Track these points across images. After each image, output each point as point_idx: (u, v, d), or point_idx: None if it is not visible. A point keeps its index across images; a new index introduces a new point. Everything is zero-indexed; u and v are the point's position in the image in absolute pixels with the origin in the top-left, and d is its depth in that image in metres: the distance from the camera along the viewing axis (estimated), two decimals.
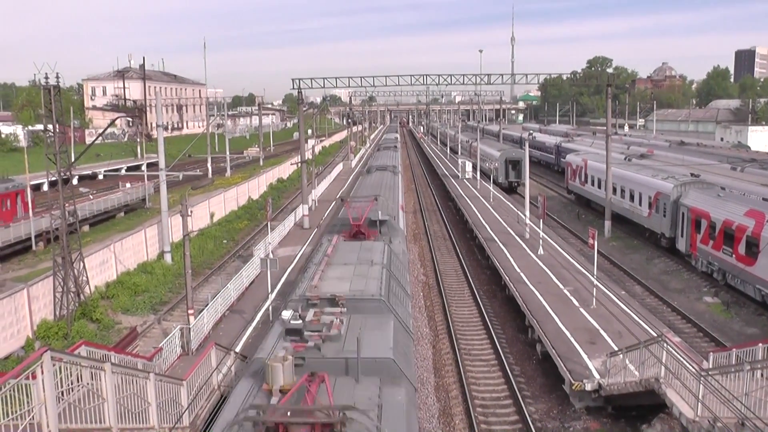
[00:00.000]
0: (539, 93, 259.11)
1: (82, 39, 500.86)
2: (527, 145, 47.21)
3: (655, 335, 20.32)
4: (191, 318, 26.54)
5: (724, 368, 16.80)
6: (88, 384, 13.40)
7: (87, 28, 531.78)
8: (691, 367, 16.33)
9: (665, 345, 17.52)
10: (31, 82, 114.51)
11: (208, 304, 29.30)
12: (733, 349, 19.70)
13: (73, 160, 33.20)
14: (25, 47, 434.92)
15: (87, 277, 31.46)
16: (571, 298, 28.84)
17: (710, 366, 19.07)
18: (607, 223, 47.01)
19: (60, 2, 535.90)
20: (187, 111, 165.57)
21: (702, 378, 15.60)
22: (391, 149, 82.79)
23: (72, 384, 12.88)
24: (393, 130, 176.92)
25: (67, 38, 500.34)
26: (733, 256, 32.18)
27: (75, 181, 66.19)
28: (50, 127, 30.05)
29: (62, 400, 12.29)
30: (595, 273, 29.53)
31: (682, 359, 16.79)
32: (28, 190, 47.26)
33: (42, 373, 11.40)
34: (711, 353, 20.65)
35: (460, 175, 74.95)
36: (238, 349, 24.90)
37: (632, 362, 19.26)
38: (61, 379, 12.32)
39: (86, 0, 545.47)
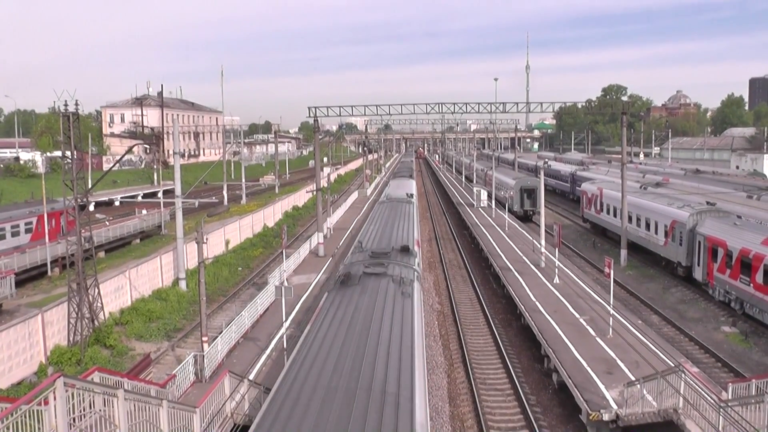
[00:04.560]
0: (554, 121, 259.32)
1: (102, 67, 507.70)
2: (542, 173, 47.05)
3: (673, 365, 20.05)
4: (205, 345, 26.50)
5: (744, 399, 16.53)
6: (100, 410, 13.36)
7: (106, 56, 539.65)
8: (710, 398, 16.08)
9: (683, 375, 17.28)
10: (51, 109, 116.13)
11: (222, 332, 29.25)
12: (753, 379, 19.36)
13: (90, 186, 33.46)
14: (45, 74, 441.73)
15: (101, 303, 31.57)
16: (588, 327, 28.56)
17: (729, 397, 18.76)
18: (623, 252, 46.67)
19: (80, 30, 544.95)
20: (203, 138, 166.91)
21: (721, 409, 15.34)
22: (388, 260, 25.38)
23: (84, 410, 12.85)
24: (406, 169, 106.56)
25: (87, 66, 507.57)
26: (751, 285, 31.82)
27: (92, 208, 66.67)
28: (68, 153, 30.36)
29: (74, 426, 12.26)
30: (611, 302, 29.26)
31: (700, 390, 16.54)
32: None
33: (54, 399, 11.39)
34: (730, 384, 20.31)
35: (475, 203, 74.80)
36: (251, 377, 24.79)
37: (650, 392, 19.00)
38: (73, 405, 12.30)
39: (106, 28, 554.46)
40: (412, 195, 57.37)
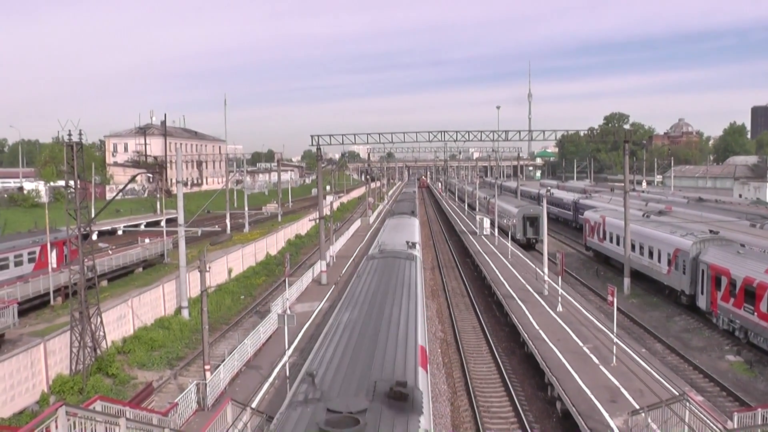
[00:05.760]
0: (557, 149, 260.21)
1: (106, 97, 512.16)
2: (545, 201, 47.12)
3: (678, 394, 19.93)
4: (207, 373, 26.42)
5: (750, 429, 16.42)
6: None
7: (110, 86, 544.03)
8: (715, 427, 15.96)
9: (688, 404, 17.18)
10: (55, 139, 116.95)
11: (224, 360, 29.18)
12: (759, 408, 19.22)
13: (93, 215, 33.57)
14: (49, 105, 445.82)
15: (104, 331, 31.52)
16: (591, 355, 28.43)
17: (735, 426, 18.61)
18: (626, 280, 46.57)
19: (84, 61, 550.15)
20: (206, 167, 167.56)
21: None
22: None
23: None
24: (407, 202, 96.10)
25: (91, 96, 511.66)
26: (755, 313, 31.69)
27: (95, 237, 66.75)
28: (72, 183, 30.51)
29: None
30: (614, 330, 29.16)
31: (706, 419, 16.43)
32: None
33: (56, 427, 11.37)
34: (735, 413, 20.14)
35: (478, 231, 74.84)
36: (254, 405, 24.67)
37: (654, 421, 18.87)
38: None
39: (110, 59, 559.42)
40: (414, 244, 40.68)
